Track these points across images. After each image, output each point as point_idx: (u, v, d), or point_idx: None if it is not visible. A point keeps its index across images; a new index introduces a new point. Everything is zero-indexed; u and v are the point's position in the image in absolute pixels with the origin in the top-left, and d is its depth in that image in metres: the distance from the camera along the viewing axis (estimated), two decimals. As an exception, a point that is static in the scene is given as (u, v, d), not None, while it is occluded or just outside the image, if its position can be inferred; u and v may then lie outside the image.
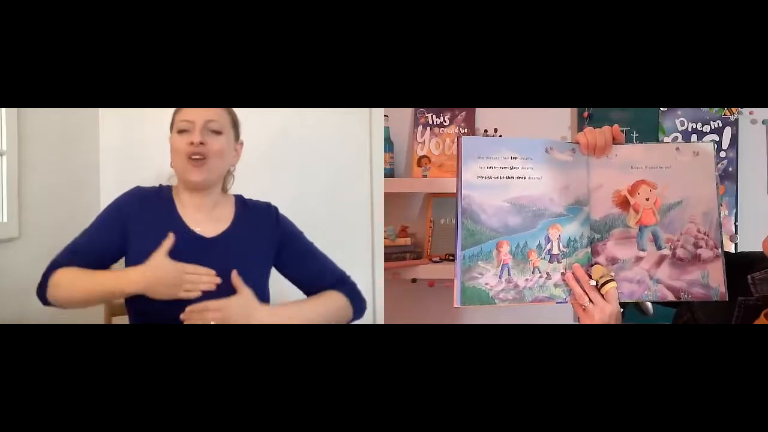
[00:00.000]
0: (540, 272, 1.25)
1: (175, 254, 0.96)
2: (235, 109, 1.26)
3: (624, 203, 1.29)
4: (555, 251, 1.26)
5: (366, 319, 1.60)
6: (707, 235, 1.26)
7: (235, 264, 1.03)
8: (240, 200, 1.15)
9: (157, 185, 1.13)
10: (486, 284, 1.21)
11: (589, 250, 1.27)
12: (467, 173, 1.21)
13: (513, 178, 1.25)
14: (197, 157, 1.02)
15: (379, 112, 1.66)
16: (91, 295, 0.94)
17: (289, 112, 1.58)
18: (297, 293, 1.32)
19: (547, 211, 1.27)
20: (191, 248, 0.99)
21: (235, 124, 1.12)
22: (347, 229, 1.67)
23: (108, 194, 1.58)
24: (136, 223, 1.02)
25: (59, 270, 0.97)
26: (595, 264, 1.26)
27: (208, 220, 1.08)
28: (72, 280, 0.94)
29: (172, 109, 1.10)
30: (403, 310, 2.18)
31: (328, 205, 1.66)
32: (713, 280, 1.24)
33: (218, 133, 1.06)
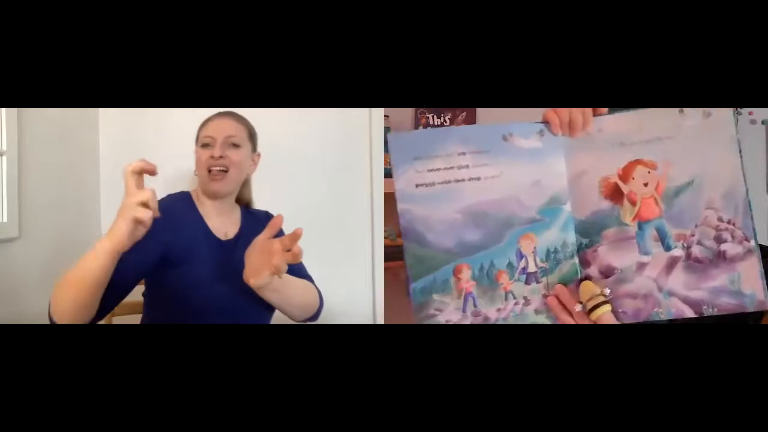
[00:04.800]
0: (515, 298, 0.97)
1: (198, 254, 1.02)
2: (235, 109, 1.26)
3: (616, 193, 0.97)
4: (531, 269, 0.98)
5: (366, 319, 1.60)
6: (733, 225, 0.93)
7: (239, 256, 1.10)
8: (244, 208, 1.24)
9: (176, 192, 1.18)
10: (447, 322, 0.95)
11: (576, 260, 0.97)
12: (401, 182, 0.95)
13: (464, 180, 0.97)
14: (218, 168, 1.12)
15: (379, 112, 1.66)
16: (80, 280, 0.83)
17: (289, 112, 1.58)
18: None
19: (515, 218, 0.98)
20: (212, 248, 1.06)
21: (252, 137, 1.20)
22: (347, 229, 1.67)
23: (108, 194, 1.59)
24: (164, 232, 1.05)
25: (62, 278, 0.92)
26: (585, 279, 0.97)
27: (224, 224, 1.17)
28: (61, 283, 0.87)
29: (172, 110, 1.11)
30: (403, 310, 2.17)
31: (328, 205, 1.66)
32: (747, 284, 0.91)
33: (237, 146, 1.16)
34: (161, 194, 1.14)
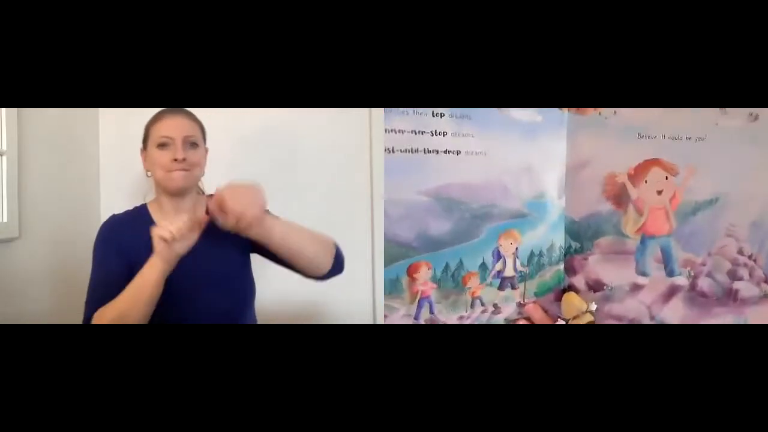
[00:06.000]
0: (483, 305, 0.79)
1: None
2: (235, 109, 1.26)
3: (621, 196, 0.80)
4: (509, 273, 0.79)
5: (366, 319, 1.60)
6: (754, 261, 0.75)
7: (215, 255, 1.05)
8: (209, 198, 1.19)
9: (131, 207, 1.15)
10: None
11: (561, 267, 0.80)
12: None
13: (437, 152, 0.73)
14: (181, 170, 1.07)
15: (379, 112, 1.66)
16: (138, 301, 0.94)
17: (289, 112, 1.58)
18: (282, 286, 1.31)
19: (497, 209, 0.76)
20: None
21: (204, 134, 1.17)
22: (347, 229, 1.67)
23: (108, 194, 1.59)
24: (125, 246, 1.05)
25: (95, 315, 0.97)
26: (569, 291, 0.81)
27: None
28: (115, 309, 0.94)
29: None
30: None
31: (328, 205, 1.66)
32: None
33: (196, 145, 1.11)
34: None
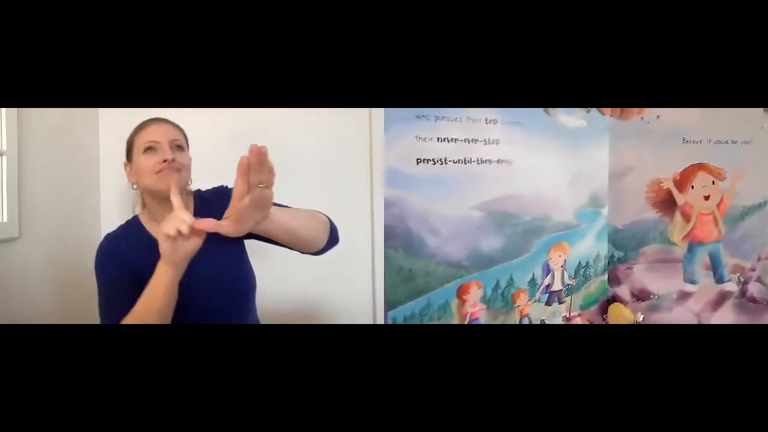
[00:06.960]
0: (530, 321, 0.77)
1: (151, 267, 1.00)
2: (235, 109, 1.25)
3: (666, 202, 0.79)
4: (556, 287, 0.76)
5: (366, 319, 1.60)
6: None
7: (209, 251, 1.05)
8: (197, 194, 1.18)
9: (130, 207, 1.16)
10: None
11: (605, 278, 0.78)
12: (392, 152, 0.62)
13: (491, 161, 0.67)
14: (171, 169, 1.06)
15: (379, 112, 1.66)
16: (151, 310, 0.94)
17: (289, 112, 1.59)
18: (282, 285, 1.31)
19: (548, 221, 0.73)
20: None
21: (187, 141, 1.16)
22: (347, 229, 1.67)
23: (108, 194, 1.59)
24: (125, 257, 1.06)
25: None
26: (613, 302, 0.79)
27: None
28: (130, 321, 0.96)
29: (172, 110, 1.10)
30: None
31: (328, 205, 1.66)
32: None
33: (182, 149, 1.10)
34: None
